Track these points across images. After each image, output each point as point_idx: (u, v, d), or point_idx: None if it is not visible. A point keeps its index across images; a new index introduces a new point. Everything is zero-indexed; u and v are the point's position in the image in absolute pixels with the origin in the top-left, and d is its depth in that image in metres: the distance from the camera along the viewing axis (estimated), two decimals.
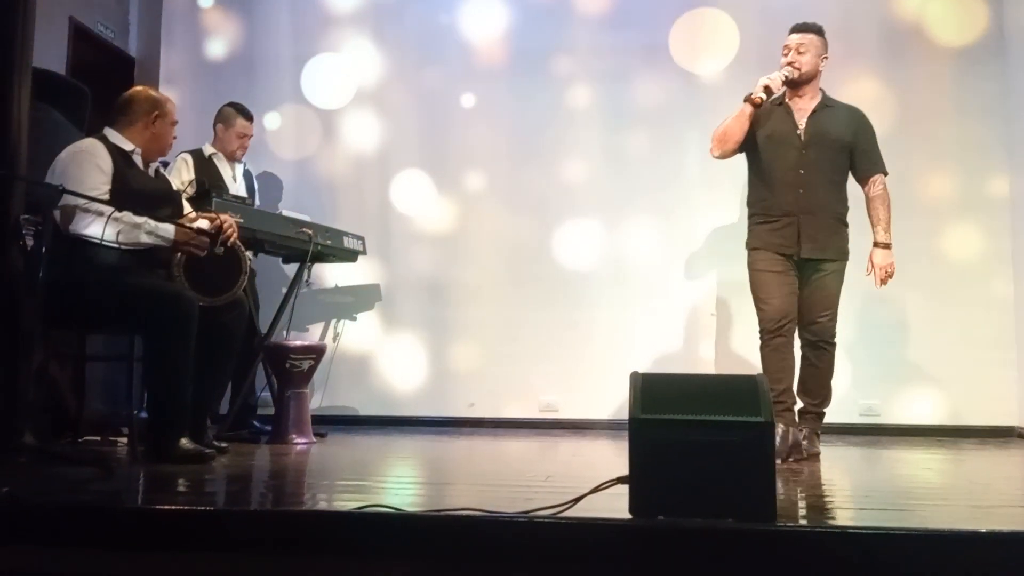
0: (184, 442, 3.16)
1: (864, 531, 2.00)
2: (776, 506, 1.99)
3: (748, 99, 3.64)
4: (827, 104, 3.74)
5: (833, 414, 4.76)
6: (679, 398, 2.06)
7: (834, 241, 3.66)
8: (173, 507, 2.20)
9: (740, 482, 1.98)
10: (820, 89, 3.76)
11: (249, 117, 4.63)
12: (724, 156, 3.78)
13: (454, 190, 5.33)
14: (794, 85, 3.71)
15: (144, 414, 3.42)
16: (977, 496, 2.81)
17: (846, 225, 3.70)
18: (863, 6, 5.08)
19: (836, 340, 3.71)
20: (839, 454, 3.80)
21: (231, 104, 4.65)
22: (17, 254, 3.13)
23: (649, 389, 2.09)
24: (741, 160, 3.87)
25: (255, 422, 4.47)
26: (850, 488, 3.03)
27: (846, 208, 3.72)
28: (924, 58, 5.00)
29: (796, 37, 3.72)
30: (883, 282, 3.68)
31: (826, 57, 3.74)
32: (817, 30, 3.74)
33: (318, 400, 5.06)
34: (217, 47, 5.56)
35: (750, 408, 2.02)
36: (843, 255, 3.68)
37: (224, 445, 3.60)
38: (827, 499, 2.73)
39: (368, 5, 5.49)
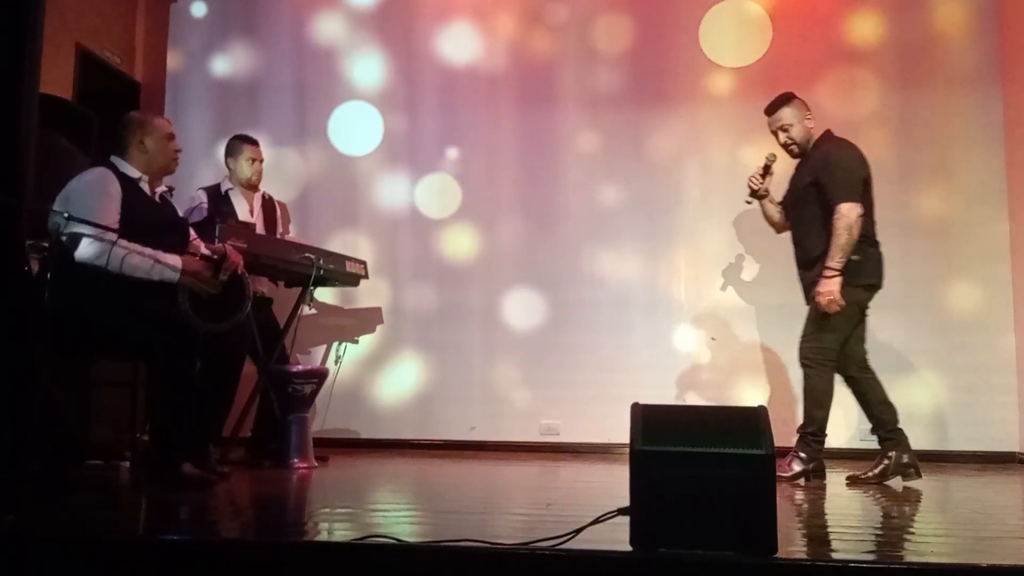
0: (187, 467, 3.18)
1: (865, 565, 2.01)
2: (777, 539, 2.00)
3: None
4: (808, 157, 3.90)
5: (834, 440, 4.78)
6: (680, 430, 2.08)
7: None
8: (174, 537, 2.21)
9: (741, 515, 1.99)
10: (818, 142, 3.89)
11: (253, 142, 4.68)
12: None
13: (458, 214, 5.36)
14: (798, 156, 3.96)
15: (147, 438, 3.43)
16: (979, 527, 2.81)
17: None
18: (865, 30, 5.11)
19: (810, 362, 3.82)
20: (840, 481, 3.79)
21: (234, 136, 4.74)
22: (22, 280, 3.15)
23: (650, 420, 2.10)
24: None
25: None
26: (851, 518, 3.02)
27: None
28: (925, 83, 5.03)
29: (775, 119, 3.92)
30: (825, 307, 3.73)
31: (809, 116, 3.91)
32: (781, 103, 3.91)
33: (320, 423, 5.07)
34: (222, 72, 5.61)
35: (751, 440, 2.03)
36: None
37: (226, 470, 3.61)
38: (828, 531, 2.73)
39: (372, 30, 5.54)
